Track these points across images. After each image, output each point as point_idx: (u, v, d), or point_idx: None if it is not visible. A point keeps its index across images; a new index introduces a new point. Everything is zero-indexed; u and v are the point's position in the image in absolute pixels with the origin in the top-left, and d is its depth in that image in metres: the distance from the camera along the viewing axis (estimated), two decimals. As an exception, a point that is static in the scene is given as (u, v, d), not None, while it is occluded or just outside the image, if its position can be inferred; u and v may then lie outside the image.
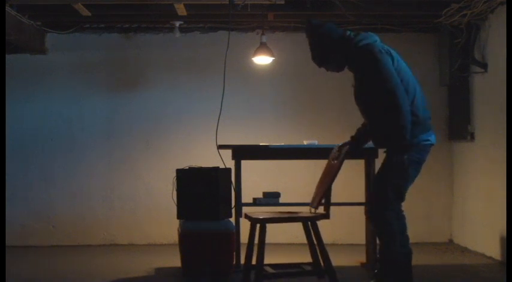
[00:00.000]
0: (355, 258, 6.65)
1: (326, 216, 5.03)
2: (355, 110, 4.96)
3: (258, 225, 4.99)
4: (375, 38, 4.85)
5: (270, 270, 5.23)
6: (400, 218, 4.80)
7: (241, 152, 6.13)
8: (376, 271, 4.95)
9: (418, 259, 6.68)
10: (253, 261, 5.04)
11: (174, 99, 8.05)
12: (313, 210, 5.06)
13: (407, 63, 4.87)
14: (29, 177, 7.96)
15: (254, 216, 5.04)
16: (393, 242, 4.75)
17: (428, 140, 4.82)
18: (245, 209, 6.13)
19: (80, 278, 6.08)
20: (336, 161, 5.07)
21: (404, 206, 4.82)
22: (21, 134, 7.97)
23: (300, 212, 5.22)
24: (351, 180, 7.20)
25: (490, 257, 6.78)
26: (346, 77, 5.11)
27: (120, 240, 7.97)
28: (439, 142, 7.92)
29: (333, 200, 5.31)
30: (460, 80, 7.45)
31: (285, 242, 7.65)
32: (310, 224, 5.02)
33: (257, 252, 4.91)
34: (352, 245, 7.62)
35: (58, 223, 7.96)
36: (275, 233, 6.73)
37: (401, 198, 4.81)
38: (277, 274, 5.19)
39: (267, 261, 5.11)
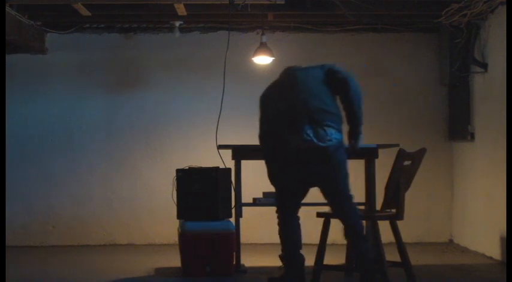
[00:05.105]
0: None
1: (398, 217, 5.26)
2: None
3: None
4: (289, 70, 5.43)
5: None
6: (284, 227, 5.11)
7: (241, 152, 6.13)
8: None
9: (418, 259, 6.69)
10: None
11: (174, 99, 8.04)
12: None
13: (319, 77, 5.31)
14: (29, 178, 7.95)
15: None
16: (283, 246, 5.11)
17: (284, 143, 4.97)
18: (245, 209, 6.13)
19: (80, 278, 6.08)
20: None
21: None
22: (21, 134, 7.96)
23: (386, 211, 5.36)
24: (351, 180, 7.16)
25: (490, 257, 6.78)
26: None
27: (120, 240, 7.97)
28: (439, 142, 8.06)
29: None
30: (460, 80, 7.45)
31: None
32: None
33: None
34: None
35: (58, 223, 7.96)
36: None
37: (281, 205, 5.12)
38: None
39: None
